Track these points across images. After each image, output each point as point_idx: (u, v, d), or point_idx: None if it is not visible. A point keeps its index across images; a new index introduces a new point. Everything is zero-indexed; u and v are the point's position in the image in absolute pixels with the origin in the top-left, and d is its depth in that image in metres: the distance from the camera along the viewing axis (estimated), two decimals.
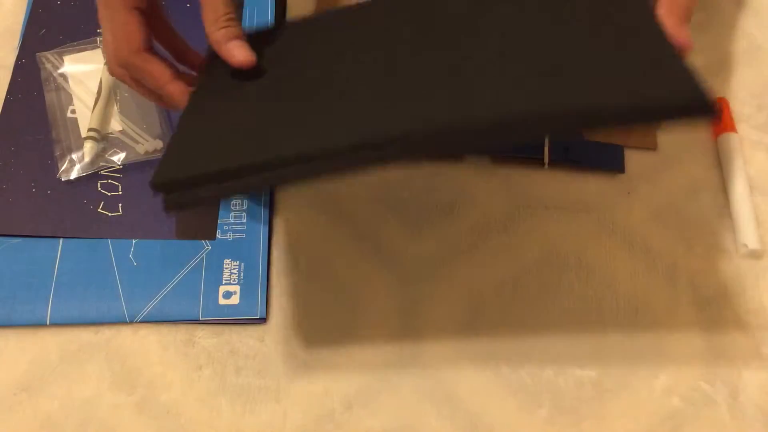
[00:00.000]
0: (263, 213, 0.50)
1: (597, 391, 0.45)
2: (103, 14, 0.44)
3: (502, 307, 0.47)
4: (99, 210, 0.50)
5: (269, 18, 0.57)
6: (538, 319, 0.47)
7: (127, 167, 0.51)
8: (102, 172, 0.51)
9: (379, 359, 0.46)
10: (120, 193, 0.50)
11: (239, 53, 0.43)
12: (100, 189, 0.50)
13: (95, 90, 0.53)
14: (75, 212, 0.49)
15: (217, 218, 0.49)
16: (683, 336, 0.46)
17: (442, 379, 0.45)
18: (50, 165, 0.51)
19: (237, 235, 0.49)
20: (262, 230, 0.49)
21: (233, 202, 0.50)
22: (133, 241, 0.49)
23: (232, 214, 0.50)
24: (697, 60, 0.56)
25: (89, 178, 0.51)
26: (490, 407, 0.44)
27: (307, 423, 0.44)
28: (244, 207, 0.50)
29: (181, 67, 0.47)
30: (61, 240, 0.49)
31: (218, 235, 0.49)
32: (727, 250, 0.49)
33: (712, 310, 0.47)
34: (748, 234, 0.48)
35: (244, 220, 0.49)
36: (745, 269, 0.48)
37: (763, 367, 0.45)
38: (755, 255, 0.48)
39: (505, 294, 0.47)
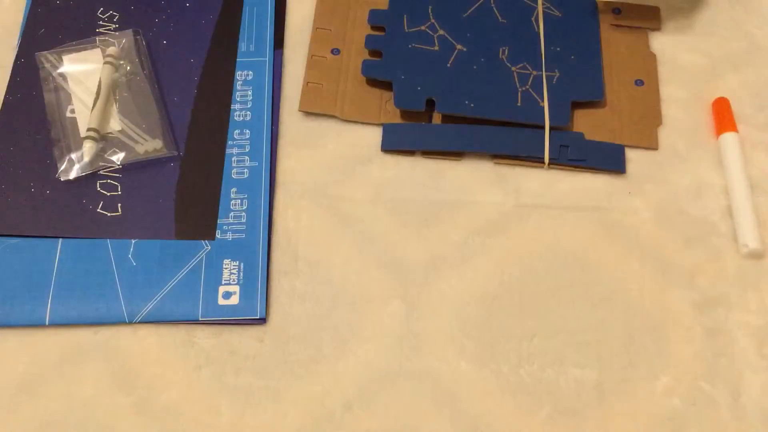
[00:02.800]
0: (263, 213, 0.49)
1: (597, 391, 0.44)
2: None
3: (501, 307, 0.47)
4: (98, 210, 0.49)
5: (269, 17, 0.57)
6: (539, 319, 0.46)
7: (126, 167, 0.51)
8: (101, 172, 0.51)
9: (379, 359, 0.45)
10: (119, 193, 0.50)
11: None
12: (99, 189, 0.50)
13: (94, 90, 0.53)
14: (74, 212, 0.49)
15: (216, 218, 0.49)
16: (684, 336, 0.46)
17: (442, 379, 0.45)
18: (49, 165, 0.51)
19: (236, 236, 0.49)
20: (262, 230, 0.49)
21: (233, 201, 0.50)
22: (133, 242, 0.48)
23: (231, 214, 0.50)
24: (699, 60, 0.56)
25: (88, 178, 0.50)
26: (490, 407, 0.44)
27: (307, 423, 0.44)
28: (244, 207, 0.50)
29: None
30: (61, 240, 0.48)
31: (218, 235, 0.49)
32: (728, 250, 0.49)
33: (713, 310, 0.47)
34: (748, 234, 0.48)
35: (244, 221, 0.49)
36: (746, 269, 0.48)
37: (764, 367, 0.45)
38: (756, 255, 0.48)
39: (504, 294, 0.47)
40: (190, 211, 0.50)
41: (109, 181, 0.50)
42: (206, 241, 0.49)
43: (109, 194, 0.50)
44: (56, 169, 0.50)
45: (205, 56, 0.55)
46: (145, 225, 0.49)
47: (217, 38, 0.56)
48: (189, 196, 0.50)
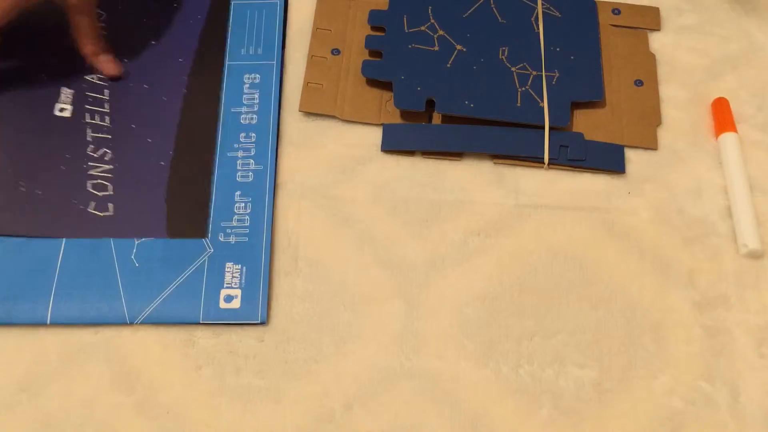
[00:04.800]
0: (266, 217, 0.49)
1: (597, 391, 0.45)
2: None
3: (501, 307, 0.47)
4: (89, 210, 0.49)
5: (278, 21, 0.57)
6: (538, 319, 0.47)
7: (118, 168, 0.51)
8: (91, 172, 0.51)
9: (379, 359, 0.45)
10: (111, 193, 0.50)
11: (108, 67, 0.53)
12: (90, 189, 0.50)
13: None
14: (64, 212, 0.49)
15: (208, 216, 0.49)
16: (683, 336, 0.46)
17: (442, 379, 0.45)
18: (38, 164, 0.51)
19: (239, 239, 0.49)
20: (265, 234, 0.49)
21: (237, 205, 0.50)
22: (136, 242, 0.48)
23: (235, 217, 0.49)
24: (698, 60, 0.56)
25: (78, 179, 0.50)
26: (490, 407, 0.44)
27: (307, 423, 0.44)
28: (248, 210, 0.50)
29: None
30: (64, 240, 0.48)
31: (221, 238, 0.49)
32: (728, 250, 0.49)
33: (712, 310, 0.47)
34: (748, 234, 0.48)
35: (247, 224, 0.49)
36: (745, 269, 0.48)
37: (763, 367, 0.45)
38: (755, 255, 0.48)
39: (504, 294, 0.47)
40: (181, 209, 0.50)
41: (99, 181, 0.50)
42: (209, 244, 0.48)
43: (100, 194, 0.50)
44: (46, 168, 0.51)
45: (194, 55, 0.55)
46: (138, 224, 0.49)
47: (206, 37, 0.56)
48: (180, 194, 0.50)
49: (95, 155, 0.51)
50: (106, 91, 0.54)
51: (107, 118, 0.53)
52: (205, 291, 0.47)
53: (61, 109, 0.53)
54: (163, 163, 0.51)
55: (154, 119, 0.53)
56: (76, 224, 0.49)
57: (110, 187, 0.50)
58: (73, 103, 0.53)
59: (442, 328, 0.46)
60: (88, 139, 0.52)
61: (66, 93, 0.54)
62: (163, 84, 0.54)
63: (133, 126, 0.52)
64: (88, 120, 0.53)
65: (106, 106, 0.53)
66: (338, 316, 0.47)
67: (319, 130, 0.53)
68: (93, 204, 0.50)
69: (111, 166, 0.51)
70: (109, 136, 0.52)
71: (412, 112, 0.53)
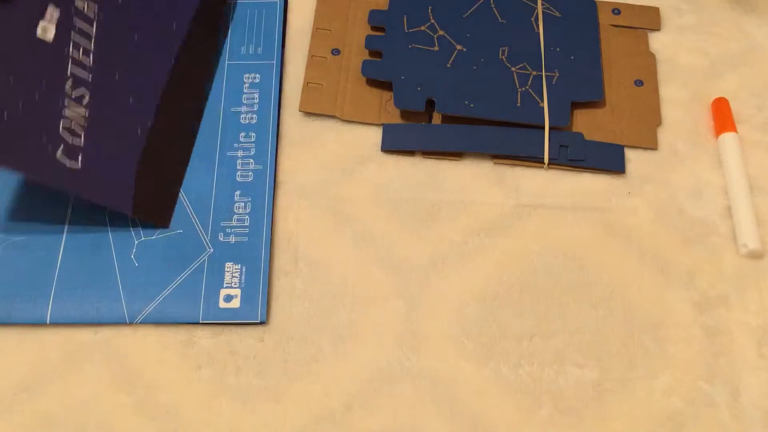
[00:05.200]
0: (266, 217, 0.49)
1: (597, 391, 0.45)
2: None
3: (501, 307, 0.47)
4: (57, 156, 0.45)
5: (278, 21, 0.57)
6: (538, 319, 0.47)
7: (94, 115, 0.47)
8: (66, 113, 0.46)
9: (379, 359, 0.46)
10: (81, 144, 0.46)
11: None
12: (61, 131, 0.46)
13: None
14: (30, 146, 0.44)
15: (172, 207, 0.49)
16: (683, 336, 0.46)
17: (442, 379, 0.45)
18: (9, 84, 0.44)
19: (239, 239, 0.49)
20: (265, 234, 0.49)
21: (236, 205, 0.50)
22: (136, 241, 0.48)
23: (235, 217, 0.49)
24: (698, 60, 0.56)
25: (51, 114, 0.45)
26: (490, 407, 0.44)
27: (307, 423, 0.44)
28: (248, 210, 0.50)
29: None
30: (64, 239, 0.48)
31: (221, 238, 0.49)
32: (728, 250, 0.49)
33: (712, 310, 0.47)
34: (748, 234, 0.48)
35: (247, 224, 0.49)
36: (745, 269, 0.48)
37: (763, 367, 0.45)
38: (755, 255, 0.48)
39: (504, 294, 0.47)
40: (150, 190, 0.49)
41: (73, 125, 0.46)
42: (209, 244, 0.49)
43: (71, 141, 0.46)
44: (18, 90, 0.45)
45: (188, 27, 0.54)
46: (104, 188, 0.47)
47: (199, 18, 0.55)
48: (152, 173, 0.49)
49: (72, 95, 0.47)
50: (95, 26, 0.49)
51: (91, 57, 0.48)
52: (204, 291, 0.47)
53: (44, 29, 0.46)
54: (139, 131, 0.49)
55: (138, 78, 0.50)
56: (39, 165, 0.44)
57: (82, 135, 0.47)
58: (57, 27, 0.47)
59: (442, 328, 0.46)
60: (68, 74, 0.47)
61: (52, 11, 0.47)
62: (152, 41, 0.51)
63: (117, 77, 0.49)
64: (71, 52, 0.47)
65: (92, 44, 0.48)
66: (338, 316, 0.47)
67: (319, 130, 0.53)
68: (62, 148, 0.45)
69: (87, 111, 0.47)
70: (90, 78, 0.48)
71: (412, 112, 0.53)
